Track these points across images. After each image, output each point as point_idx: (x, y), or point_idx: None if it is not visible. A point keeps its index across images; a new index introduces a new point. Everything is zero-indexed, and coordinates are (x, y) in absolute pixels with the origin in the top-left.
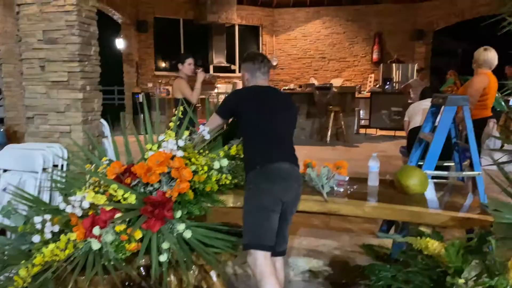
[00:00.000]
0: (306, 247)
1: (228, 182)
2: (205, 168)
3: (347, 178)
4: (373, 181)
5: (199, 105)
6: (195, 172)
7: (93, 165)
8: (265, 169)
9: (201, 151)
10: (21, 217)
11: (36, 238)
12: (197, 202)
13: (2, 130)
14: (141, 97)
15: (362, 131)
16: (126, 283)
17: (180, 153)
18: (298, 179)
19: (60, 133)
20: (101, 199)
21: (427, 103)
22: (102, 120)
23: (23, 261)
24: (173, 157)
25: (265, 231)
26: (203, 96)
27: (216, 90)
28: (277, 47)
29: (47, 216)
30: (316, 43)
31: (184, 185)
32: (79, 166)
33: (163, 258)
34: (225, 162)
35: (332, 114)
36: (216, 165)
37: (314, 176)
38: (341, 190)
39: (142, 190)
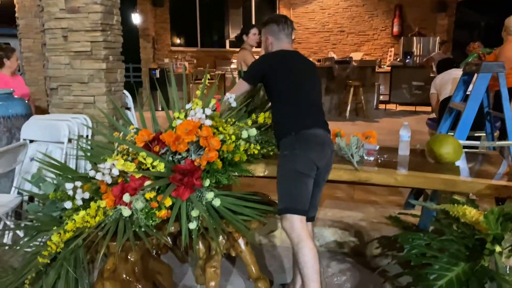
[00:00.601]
0: (331, 218)
1: (256, 152)
2: (233, 137)
3: (377, 147)
4: (404, 150)
5: None
6: (223, 142)
7: (121, 133)
8: (301, 135)
9: (229, 119)
10: (51, 185)
11: (68, 205)
12: (225, 171)
13: (27, 101)
14: (157, 73)
15: (381, 106)
16: (154, 251)
17: (208, 122)
18: (331, 146)
19: (84, 104)
20: (131, 167)
21: (457, 72)
22: (125, 92)
23: (54, 227)
24: (201, 126)
25: (301, 195)
26: (221, 72)
27: (232, 66)
28: (295, 20)
29: (78, 183)
30: (334, 16)
31: (212, 154)
32: (104, 136)
33: (193, 225)
34: (253, 131)
35: (352, 89)
36: (244, 134)
37: (344, 145)
38: (371, 159)
39: (170, 158)
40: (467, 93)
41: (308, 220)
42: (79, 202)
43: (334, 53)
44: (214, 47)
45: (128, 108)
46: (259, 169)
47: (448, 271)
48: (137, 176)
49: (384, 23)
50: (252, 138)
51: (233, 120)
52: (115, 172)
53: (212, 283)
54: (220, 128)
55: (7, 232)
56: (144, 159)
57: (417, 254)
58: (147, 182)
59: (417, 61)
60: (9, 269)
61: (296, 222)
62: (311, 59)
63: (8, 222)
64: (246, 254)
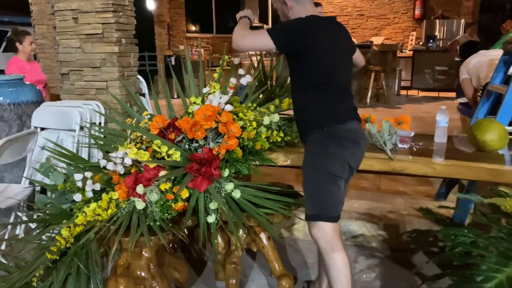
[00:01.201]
0: (357, 210)
1: (279, 139)
2: (254, 124)
3: (411, 134)
4: (441, 137)
5: None
6: (243, 128)
7: (134, 120)
8: (334, 131)
9: (249, 104)
10: (60, 175)
11: (77, 197)
12: (245, 160)
13: (39, 88)
14: (172, 60)
15: (402, 92)
16: (170, 245)
17: (228, 107)
18: (365, 139)
19: (96, 89)
20: (145, 156)
21: (494, 53)
22: (139, 77)
23: (64, 221)
24: (220, 112)
25: (335, 200)
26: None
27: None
28: None
29: (88, 174)
30: None
31: (232, 142)
32: (116, 123)
33: (211, 219)
34: (276, 117)
35: (373, 74)
36: (266, 120)
37: (375, 131)
38: (405, 147)
39: (186, 146)
40: (509, 74)
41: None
42: (89, 194)
43: (353, 38)
44: (229, 33)
45: (143, 94)
46: (282, 158)
47: (497, 272)
48: (152, 165)
49: (405, 5)
50: (274, 125)
51: (254, 105)
52: (128, 161)
53: (233, 281)
54: (240, 114)
55: (18, 225)
56: (159, 147)
57: (461, 252)
58: (162, 172)
59: (440, 45)
60: (21, 263)
61: (329, 230)
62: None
63: (19, 214)
64: (269, 249)
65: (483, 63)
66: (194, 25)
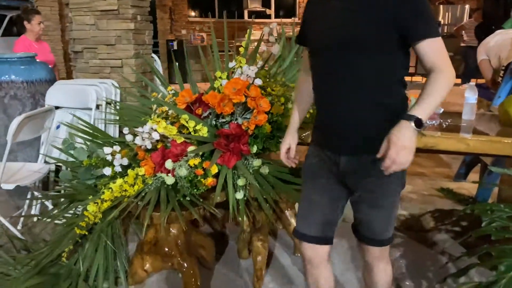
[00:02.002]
0: None
1: (308, 115)
2: (282, 99)
3: (441, 110)
4: (469, 114)
5: None
6: (271, 104)
7: (159, 94)
8: None
9: (278, 79)
10: (84, 151)
11: (107, 171)
12: (273, 136)
13: (50, 66)
14: (175, 45)
15: (407, 78)
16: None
17: (258, 81)
18: None
19: (111, 68)
20: (173, 130)
21: None
22: (154, 55)
23: (90, 197)
24: (248, 86)
25: None
26: (239, 44)
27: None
28: None
29: (117, 148)
30: None
31: (261, 117)
32: (138, 100)
33: (239, 195)
34: None
35: None
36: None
37: None
38: (434, 123)
39: (213, 122)
40: None
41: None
42: (117, 169)
43: None
44: (232, 18)
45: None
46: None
47: None
48: (179, 141)
49: None
50: None
51: (283, 79)
52: (156, 136)
53: (260, 257)
54: (268, 89)
55: (34, 203)
56: (187, 122)
57: (498, 227)
58: (191, 148)
59: (445, 31)
60: (41, 242)
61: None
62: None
63: (36, 193)
64: (295, 226)
65: (504, 41)
66: (196, 9)
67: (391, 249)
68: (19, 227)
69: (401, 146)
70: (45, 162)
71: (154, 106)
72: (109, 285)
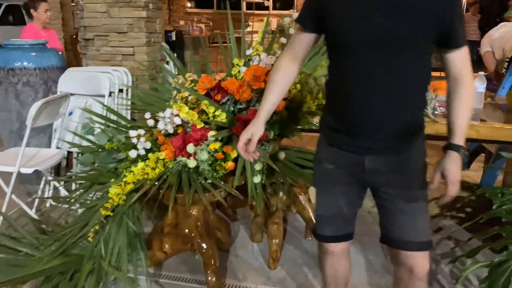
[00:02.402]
0: None
1: (323, 102)
2: (298, 86)
3: None
4: (477, 103)
5: None
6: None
7: (180, 80)
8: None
9: None
10: (104, 136)
11: (132, 153)
12: (289, 123)
13: (60, 53)
14: (173, 35)
15: None
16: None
17: None
18: None
19: (122, 55)
20: (195, 115)
21: None
22: (164, 44)
23: (112, 180)
24: (267, 73)
25: None
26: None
27: (248, 29)
28: None
29: (141, 131)
30: None
31: (279, 103)
32: (158, 86)
33: (257, 179)
34: (322, 80)
35: None
36: (311, 83)
37: None
38: (443, 110)
39: (231, 108)
40: None
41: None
42: (141, 152)
43: None
44: (230, 9)
45: (167, 62)
46: None
47: None
48: (199, 126)
49: None
50: (316, 88)
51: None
52: (177, 121)
53: (276, 240)
54: None
55: (47, 189)
56: (207, 107)
57: (508, 210)
58: (211, 133)
59: None
60: (57, 226)
61: None
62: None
63: (50, 178)
64: (309, 211)
65: (508, 34)
66: (193, 0)
67: None
68: (32, 212)
69: (458, 182)
70: (58, 148)
71: (174, 92)
72: (130, 266)
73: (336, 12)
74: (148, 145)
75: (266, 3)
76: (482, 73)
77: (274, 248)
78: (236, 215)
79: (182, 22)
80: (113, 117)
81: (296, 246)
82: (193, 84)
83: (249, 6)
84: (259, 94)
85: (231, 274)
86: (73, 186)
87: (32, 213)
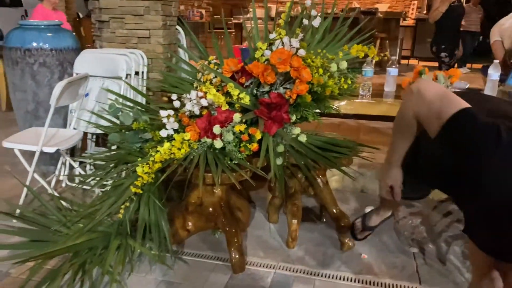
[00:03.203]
0: None
1: (346, 86)
2: (320, 70)
3: (467, 85)
4: (491, 90)
5: None
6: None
7: (206, 62)
8: None
9: (319, 50)
10: (129, 116)
11: (163, 133)
12: (312, 106)
13: (74, 33)
14: None
15: (403, 62)
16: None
17: (302, 52)
18: None
19: (138, 38)
20: (221, 98)
21: None
22: (178, 27)
23: (139, 159)
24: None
25: None
26: (236, 21)
27: (248, 15)
28: None
29: (171, 112)
30: None
31: (302, 87)
32: (182, 70)
33: (279, 161)
34: (344, 64)
35: (378, 41)
36: (334, 67)
37: None
38: None
39: (254, 91)
40: None
41: None
42: (170, 132)
43: (355, 5)
44: None
45: (180, 46)
46: (344, 107)
47: None
48: (224, 108)
49: None
50: (337, 73)
51: (324, 52)
52: (204, 102)
53: (295, 220)
54: (308, 60)
55: (62, 169)
56: (232, 89)
57: None
58: (236, 115)
59: None
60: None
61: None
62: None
63: (67, 158)
64: (326, 193)
65: None
66: None
67: (411, 215)
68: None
69: None
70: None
71: (199, 74)
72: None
73: None
74: (176, 125)
75: None
76: (496, 61)
77: (294, 228)
78: (250, 197)
79: (182, 7)
80: (137, 98)
81: (312, 228)
82: (216, 67)
83: None
84: (283, 77)
85: (251, 252)
86: (88, 168)
87: (53, 191)
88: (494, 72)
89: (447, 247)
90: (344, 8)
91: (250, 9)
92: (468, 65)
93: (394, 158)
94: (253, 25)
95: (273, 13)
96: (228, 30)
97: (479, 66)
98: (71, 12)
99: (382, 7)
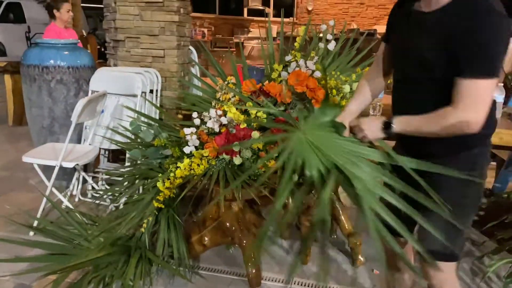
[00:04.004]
0: None
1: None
2: (334, 91)
3: None
4: (496, 112)
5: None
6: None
7: (225, 83)
8: (485, 151)
9: (333, 72)
10: (150, 133)
11: (187, 149)
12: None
13: (89, 51)
14: None
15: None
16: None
17: (317, 73)
18: None
19: (152, 57)
20: (240, 116)
21: None
22: (191, 47)
23: (160, 175)
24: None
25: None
26: (237, 40)
27: (249, 35)
28: None
29: (193, 129)
30: None
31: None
32: (201, 91)
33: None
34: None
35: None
36: (347, 89)
37: None
38: None
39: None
40: None
41: None
42: (191, 149)
43: (353, 26)
44: (232, 14)
45: (193, 65)
46: None
47: None
48: (243, 126)
49: None
50: (349, 94)
51: (338, 73)
52: (224, 120)
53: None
54: (323, 82)
55: (76, 184)
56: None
57: None
58: (254, 133)
59: None
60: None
61: (453, 272)
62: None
63: (83, 173)
64: (339, 210)
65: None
66: (197, 4)
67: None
68: (63, 206)
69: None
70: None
71: (219, 94)
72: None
73: None
74: (197, 142)
75: (267, 10)
76: (501, 84)
77: (308, 244)
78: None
79: None
80: (154, 115)
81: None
82: (233, 86)
83: (250, 12)
84: (299, 96)
85: (266, 267)
86: (100, 184)
87: (70, 205)
88: (499, 95)
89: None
90: (342, 29)
91: (251, 29)
92: None
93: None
94: (259, 44)
95: (274, 33)
96: (232, 49)
97: None
98: (78, 30)
99: (381, 28)
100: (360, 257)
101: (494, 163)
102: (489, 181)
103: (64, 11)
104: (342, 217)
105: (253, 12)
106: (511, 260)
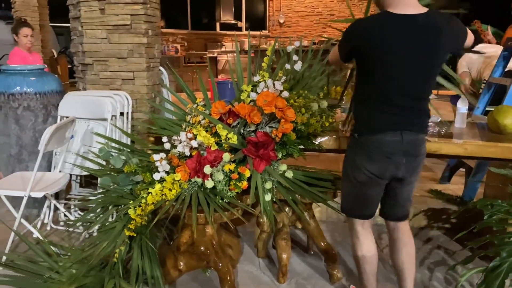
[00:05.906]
0: None
1: (327, 124)
2: (303, 110)
3: (439, 119)
4: (460, 123)
5: None
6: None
7: (194, 105)
8: (363, 141)
9: (300, 91)
10: (120, 159)
11: (156, 176)
12: (296, 144)
13: (56, 76)
14: None
15: None
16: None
17: (285, 94)
18: (410, 153)
19: (122, 80)
20: (211, 139)
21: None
22: (161, 68)
23: (131, 201)
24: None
25: (359, 203)
26: (210, 55)
27: (222, 49)
28: (284, 3)
29: (163, 154)
30: None
31: (287, 126)
32: (171, 113)
33: (268, 197)
34: (325, 103)
35: (348, 72)
36: (315, 106)
37: None
38: (434, 131)
39: (241, 131)
40: (508, 69)
41: (397, 219)
42: (162, 174)
43: (324, 37)
44: (204, 29)
45: (164, 86)
46: (326, 143)
47: None
48: (214, 148)
49: (374, 7)
50: (318, 111)
51: (306, 92)
52: (194, 144)
53: (284, 255)
54: (291, 101)
55: (47, 212)
56: (221, 130)
57: (497, 220)
58: (225, 155)
59: None
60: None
61: (354, 224)
62: (306, 42)
63: (53, 202)
64: (313, 226)
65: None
66: (169, 20)
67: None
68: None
69: None
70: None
71: (188, 117)
72: (149, 285)
73: None
74: (168, 167)
75: (239, 24)
76: (463, 96)
77: (284, 263)
78: (238, 232)
79: None
80: (121, 138)
81: (301, 261)
82: (203, 108)
83: (222, 27)
84: (269, 117)
85: (243, 287)
86: (72, 210)
87: (39, 235)
88: (463, 106)
89: (430, 273)
90: (313, 39)
91: (224, 43)
92: (434, 91)
93: None
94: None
95: (245, 47)
96: (203, 64)
97: (445, 92)
98: (47, 51)
99: None
100: (335, 272)
101: (463, 170)
102: (460, 188)
103: (21, 35)
104: (316, 233)
105: (225, 27)
106: (483, 269)
